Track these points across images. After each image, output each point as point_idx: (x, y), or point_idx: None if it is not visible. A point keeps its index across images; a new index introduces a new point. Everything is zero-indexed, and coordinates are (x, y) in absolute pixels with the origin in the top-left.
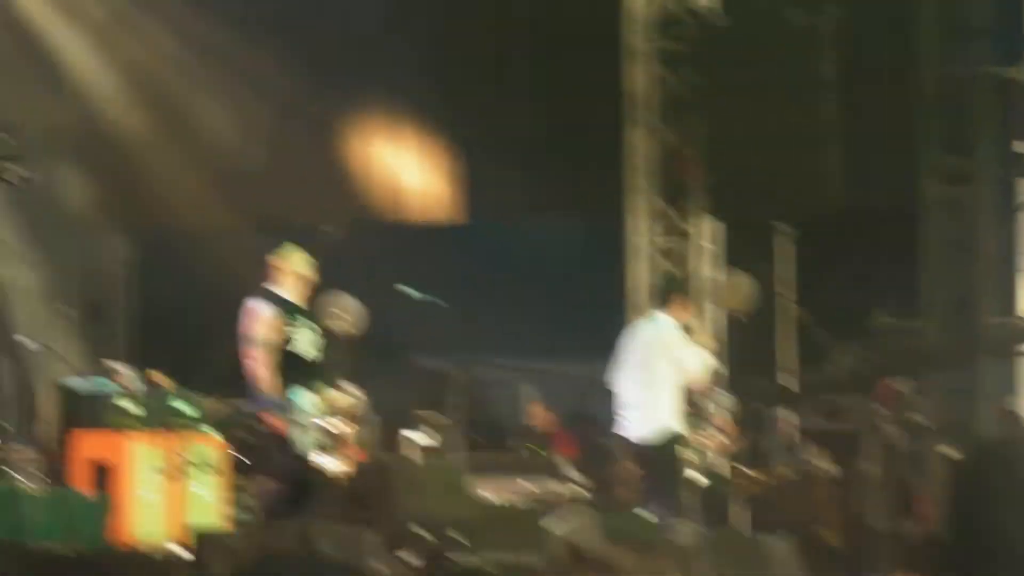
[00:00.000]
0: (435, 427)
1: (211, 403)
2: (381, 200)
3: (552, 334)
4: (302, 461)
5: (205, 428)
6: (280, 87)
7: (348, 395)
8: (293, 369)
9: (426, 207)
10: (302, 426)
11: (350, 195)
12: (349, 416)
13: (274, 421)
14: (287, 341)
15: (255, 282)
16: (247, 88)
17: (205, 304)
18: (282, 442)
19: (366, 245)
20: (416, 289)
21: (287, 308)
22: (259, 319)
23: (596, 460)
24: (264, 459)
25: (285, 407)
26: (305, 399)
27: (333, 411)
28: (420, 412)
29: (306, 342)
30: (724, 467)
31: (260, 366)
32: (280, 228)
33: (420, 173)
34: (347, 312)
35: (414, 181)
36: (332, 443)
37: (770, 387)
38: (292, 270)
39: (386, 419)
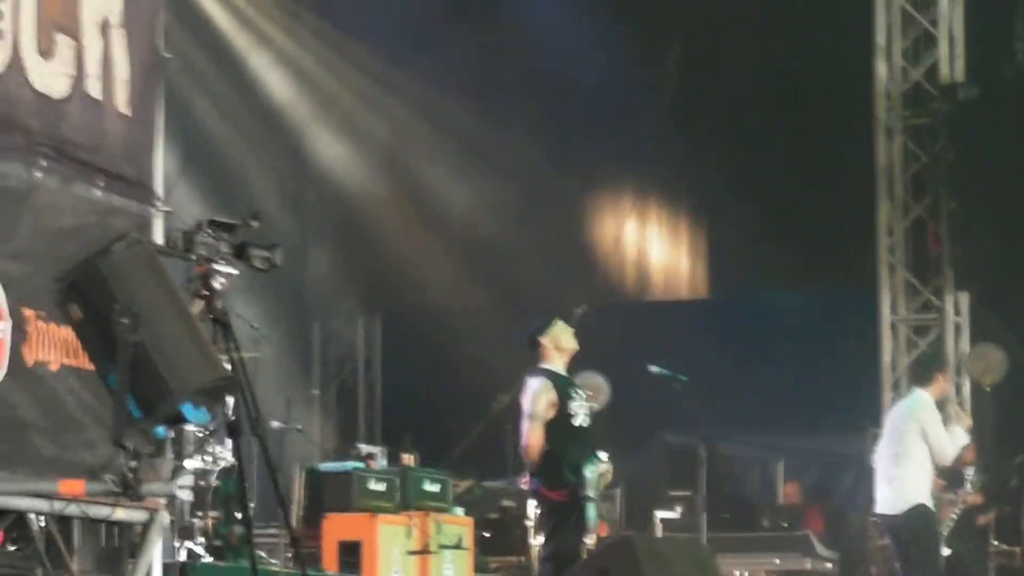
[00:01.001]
0: (683, 504)
1: (460, 483)
2: (629, 278)
3: (802, 410)
4: (582, 535)
5: (453, 508)
6: (527, 165)
7: (606, 467)
8: (575, 443)
9: (673, 284)
10: (592, 499)
11: (598, 273)
12: (605, 491)
13: (555, 495)
14: (570, 416)
15: (506, 366)
16: (494, 167)
17: (451, 384)
18: (570, 516)
19: (614, 323)
20: (663, 366)
21: (563, 383)
22: (543, 395)
23: (846, 537)
24: (556, 534)
25: (577, 481)
26: (591, 472)
27: (601, 486)
28: (667, 489)
29: (583, 415)
30: (977, 541)
31: (536, 441)
32: (529, 308)
33: (667, 249)
34: (596, 390)
35: (662, 257)
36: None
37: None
38: (562, 346)
39: (631, 494)
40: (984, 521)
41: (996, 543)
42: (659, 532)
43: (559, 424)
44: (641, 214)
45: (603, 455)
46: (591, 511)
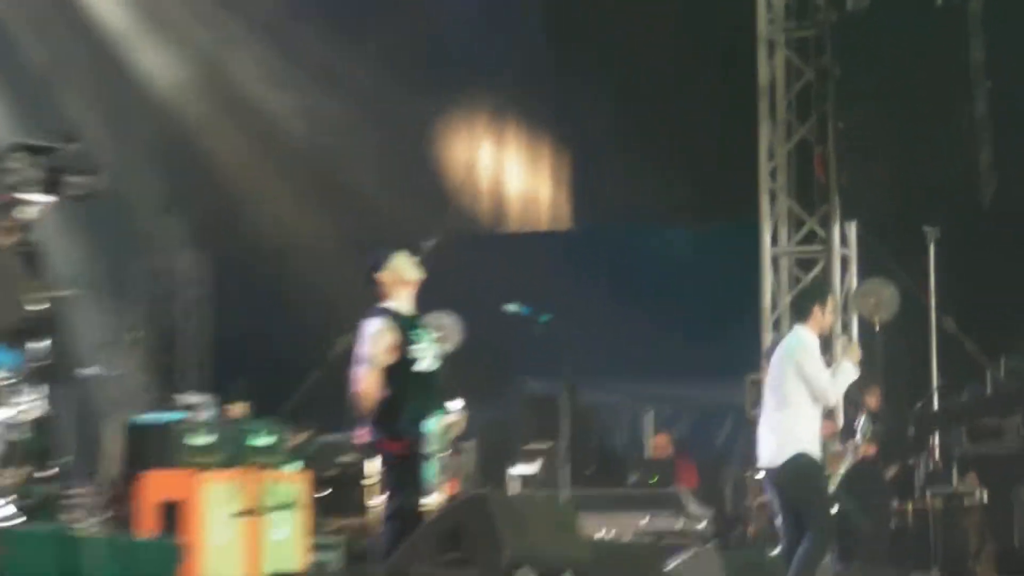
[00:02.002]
0: (542, 458)
1: (296, 436)
2: (484, 208)
3: (675, 354)
4: (420, 494)
5: (287, 464)
6: (376, 88)
7: (456, 417)
8: (419, 390)
9: (532, 214)
10: (432, 455)
11: (450, 203)
12: (455, 443)
13: (395, 447)
14: (413, 360)
15: (347, 306)
16: (341, 90)
17: (288, 327)
18: (412, 470)
19: (468, 258)
20: (521, 305)
21: (407, 323)
22: (381, 336)
23: (722, 493)
24: (397, 491)
25: (416, 432)
26: (434, 424)
27: (448, 438)
28: (526, 441)
29: (429, 359)
30: (869, 497)
31: (371, 388)
32: (375, 246)
33: (527, 176)
34: (447, 331)
35: (520, 185)
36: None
37: (920, 408)
38: (403, 280)
39: (486, 447)
40: (893, 475)
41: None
42: (516, 489)
43: (400, 369)
44: (498, 138)
45: (454, 404)
46: (430, 470)
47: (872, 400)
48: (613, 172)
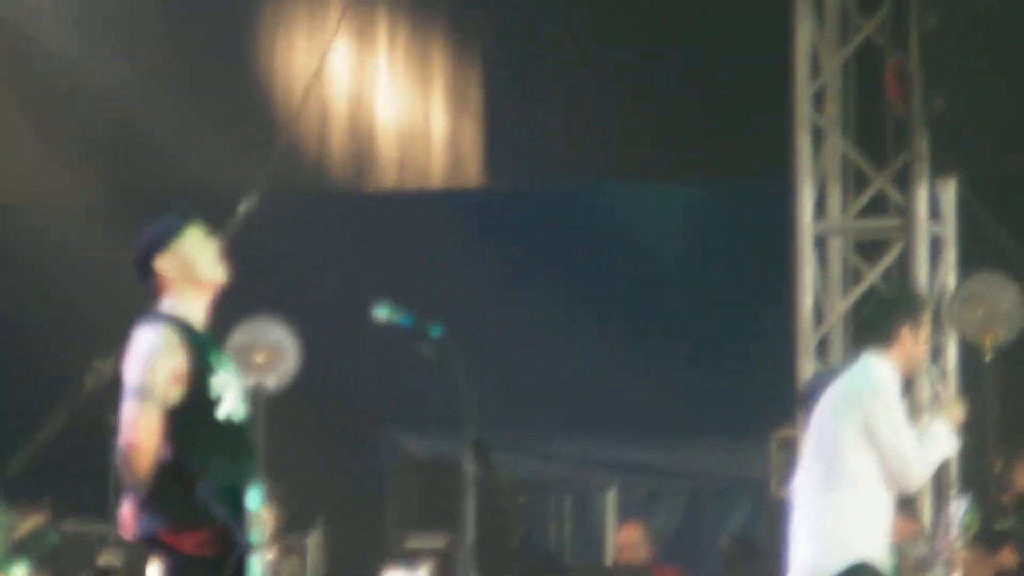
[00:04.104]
0: (431, 562)
1: (25, 519)
2: (337, 152)
3: (656, 398)
4: None
5: (10, 565)
6: None
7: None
8: (223, 448)
9: (420, 164)
10: (254, 552)
11: (284, 144)
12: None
13: (188, 541)
14: (211, 400)
15: (114, 307)
16: None
17: (16, 341)
18: None
19: (312, 230)
20: (400, 311)
21: (200, 340)
22: (162, 358)
23: None
24: None
25: (223, 514)
26: (255, 501)
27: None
28: (406, 537)
29: (233, 401)
30: None
31: (149, 439)
32: (164, 206)
33: (410, 103)
34: (273, 352)
35: (399, 117)
36: None
37: None
38: (194, 275)
39: (340, 543)
40: None
41: None
42: None
43: (193, 413)
44: (363, 40)
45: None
46: (257, 569)
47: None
48: (550, 97)
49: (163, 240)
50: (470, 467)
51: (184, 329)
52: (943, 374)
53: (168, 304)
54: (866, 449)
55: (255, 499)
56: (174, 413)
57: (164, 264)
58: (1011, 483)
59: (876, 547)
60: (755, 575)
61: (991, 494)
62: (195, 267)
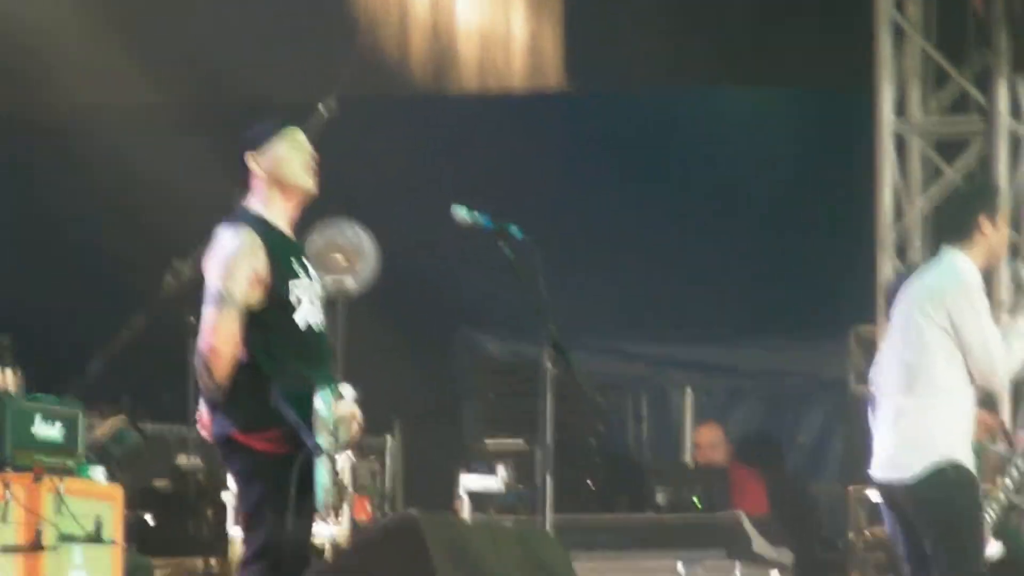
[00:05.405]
0: (509, 463)
1: (103, 422)
2: (418, 52)
3: (732, 297)
4: (311, 520)
5: (87, 468)
6: None
7: (349, 409)
8: (299, 352)
9: (499, 66)
10: (324, 453)
11: (366, 46)
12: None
13: (261, 442)
14: (291, 305)
15: (195, 206)
16: None
17: (89, 243)
18: (287, 479)
19: (394, 132)
20: (479, 212)
21: (283, 245)
22: (244, 260)
23: (808, 521)
24: (263, 512)
25: (299, 418)
26: (330, 406)
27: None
28: (483, 436)
29: (312, 307)
30: None
31: (230, 344)
32: (245, 116)
33: (491, 9)
34: (354, 254)
35: (479, 21)
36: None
37: None
38: (286, 179)
39: (416, 446)
40: None
41: None
42: (468, 513)
43: (270, 316)
44: None
45: (347, 390)
46: (323, 471)
47: None
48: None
49: (258, 140)
50: (548, 368)
51: (267, 230)
52: None
53: (255, 205)
54: (951, 347)
55: (326, 402)
56: (252, 316)
57: (254, 163)
58: None
59: (961, 446)
60: None
61: None
62: (283, 170)
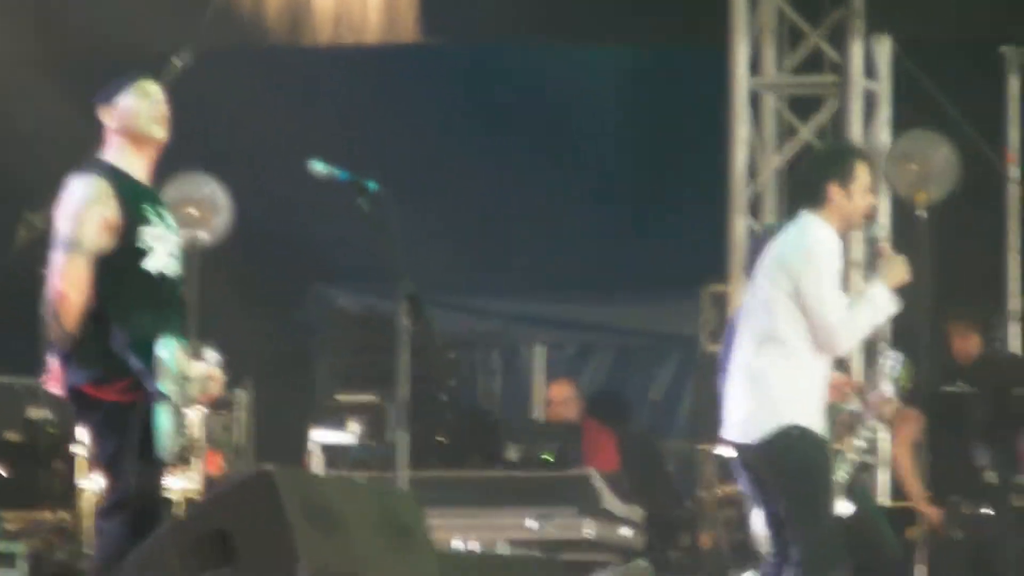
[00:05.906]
0: (363, 417)
1: None
2: (267, 13)
3: (583, 253)
4: (159, 468)
5: None
6: None
7: (208, 369)
8: (147, 301)
9: (354, 18)
10: (172, 404)
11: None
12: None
13: (110, 392)
14: (141, 251)
15: (46, 157)
16: None
17: None
18: (135, 433)
19: (247, 85)
20: (336, 166)
21: (135, 191)
22: (94, 207)
23: (659, 480)
24: (118, 464)
25: (145, 366)
26: (173, 353)
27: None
28: (335, 390)
29: (165, 255)
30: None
31: (77, 290)
32: (96, 65)
33: None
34: (206, 205)
35: None
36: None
37: (988, 349)
38: (139, 130)
39: (268, 401)
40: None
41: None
42: (321, 468)
43: (121, 264)
44: None
45: (210, 354)
46: (163, 417)
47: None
48: None
49: (110, 93)
50: (403, 322)
51: (118, 178)
52: (879, 234)
53: (109, 156)
54: (796, 312)
55: (169, 349)
56: (102, 262)
57: (107, 117)
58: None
59: (807, 411)
60: None
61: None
62: (134, 121)
